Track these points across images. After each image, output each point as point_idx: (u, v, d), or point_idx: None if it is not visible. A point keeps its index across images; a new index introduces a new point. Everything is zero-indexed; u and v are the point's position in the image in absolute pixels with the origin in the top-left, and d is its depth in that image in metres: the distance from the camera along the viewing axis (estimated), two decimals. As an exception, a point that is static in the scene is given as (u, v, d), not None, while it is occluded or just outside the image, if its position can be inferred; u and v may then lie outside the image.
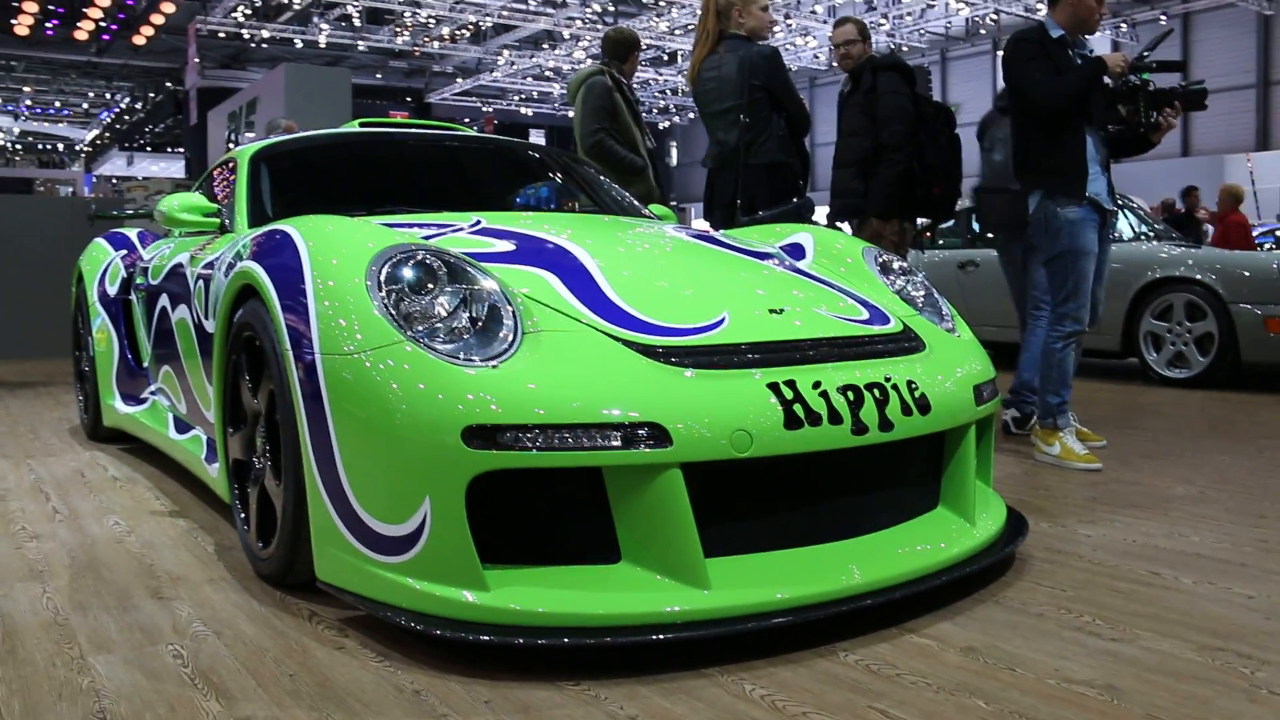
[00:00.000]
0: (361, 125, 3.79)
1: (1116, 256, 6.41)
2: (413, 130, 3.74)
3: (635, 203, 3.81)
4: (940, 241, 7.53)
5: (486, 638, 1.86)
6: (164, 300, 3.51)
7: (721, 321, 2.23)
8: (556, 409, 1.91)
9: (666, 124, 34.00)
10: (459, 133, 3.88)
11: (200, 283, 3.05)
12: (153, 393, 3.85)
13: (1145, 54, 3.68)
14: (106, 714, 1.75)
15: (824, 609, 2.00)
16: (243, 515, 2.58)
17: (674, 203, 5.11)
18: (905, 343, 2.43)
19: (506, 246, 2.55)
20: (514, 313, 2.12)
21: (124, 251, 4.32)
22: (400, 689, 1.83)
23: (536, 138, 30.91)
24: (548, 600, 1.91)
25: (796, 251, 3.05)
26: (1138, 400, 5.62)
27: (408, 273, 2.15)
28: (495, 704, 1.77)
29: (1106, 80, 3.60)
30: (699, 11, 4.72)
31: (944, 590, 2.24)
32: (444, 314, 2.10)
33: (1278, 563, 2.54)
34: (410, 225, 2.77)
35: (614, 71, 5.05)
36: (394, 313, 2.07)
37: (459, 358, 1.99)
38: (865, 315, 2.49)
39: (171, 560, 2.66)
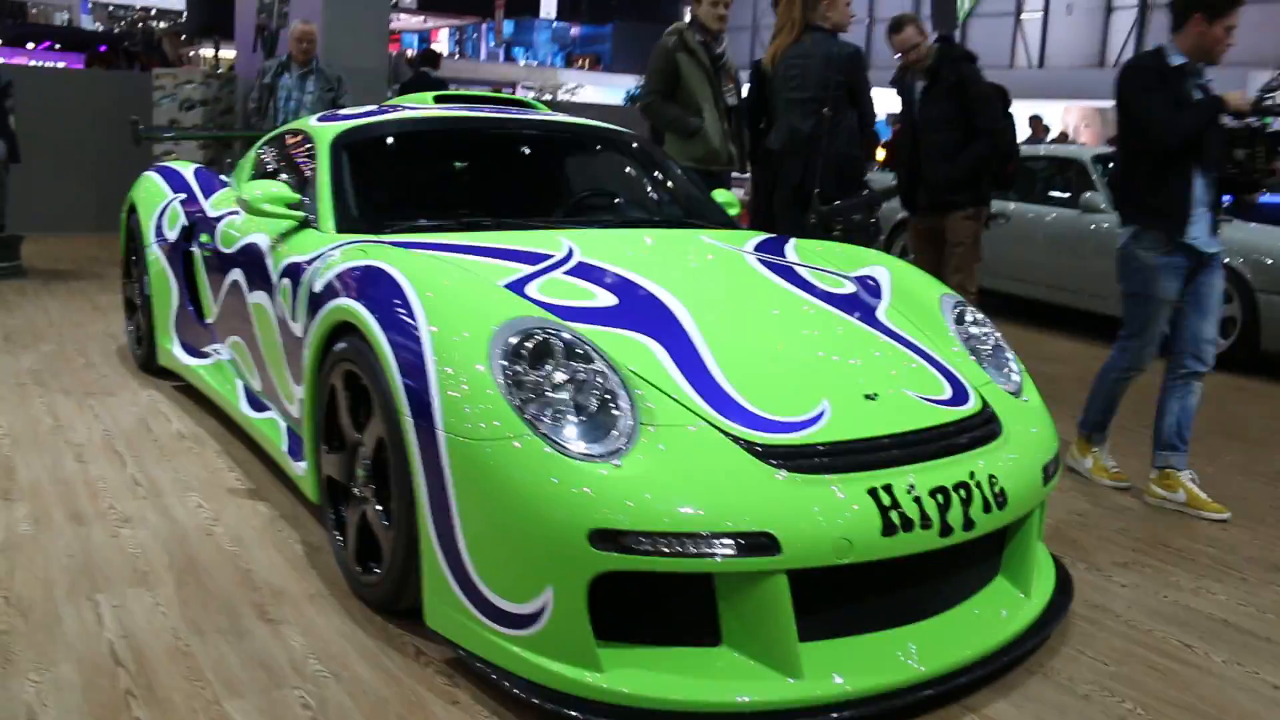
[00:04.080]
0: (436, 100, 3.76)
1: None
2: (491, 116, 3.70)
3: (708, 198, 3.83)
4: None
5: None
6: (237, 275, 3.55)
7: (822, 415, 2.34)
8: (678, 518, 2.04)
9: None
10: (535, 115, 3.85)
11: (286, 280, 3.10)
12: (218, 352, 3.93)
13: (1267, 95, 3.60)
14: (262, 782, 1.92)
15: (898, 698, 2.18)
16: (339, 536, 2.72)
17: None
18: (984, 426, 2.55)
19: (608, 300, 2.62)
20: (630, 400, 2.22)
21: (183, 195, 4.31)
22: (522, 762, 2.02)
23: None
24: (656, 685, 2.08)
25: (873, 288, 3.13)
26: (1146, 379, 5.78)
27: (531, 354, 2.24)
28: (611, 787, 1.96)
29: (1226, 120, 3.47)
30: None
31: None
32: (563, 398, 2.19)
33: (1299, 639, 2.75)
34: (503, 256, 2.82)
35: (687, 30, 4.98)
36: (517, 399, 2.16)
37: (583, 453, 2.10)
38: (948, 394, 2.60)
39: (265, 565, 2.81)
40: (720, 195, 3.99)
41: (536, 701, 2.09)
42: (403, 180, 3.48)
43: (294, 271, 3.06)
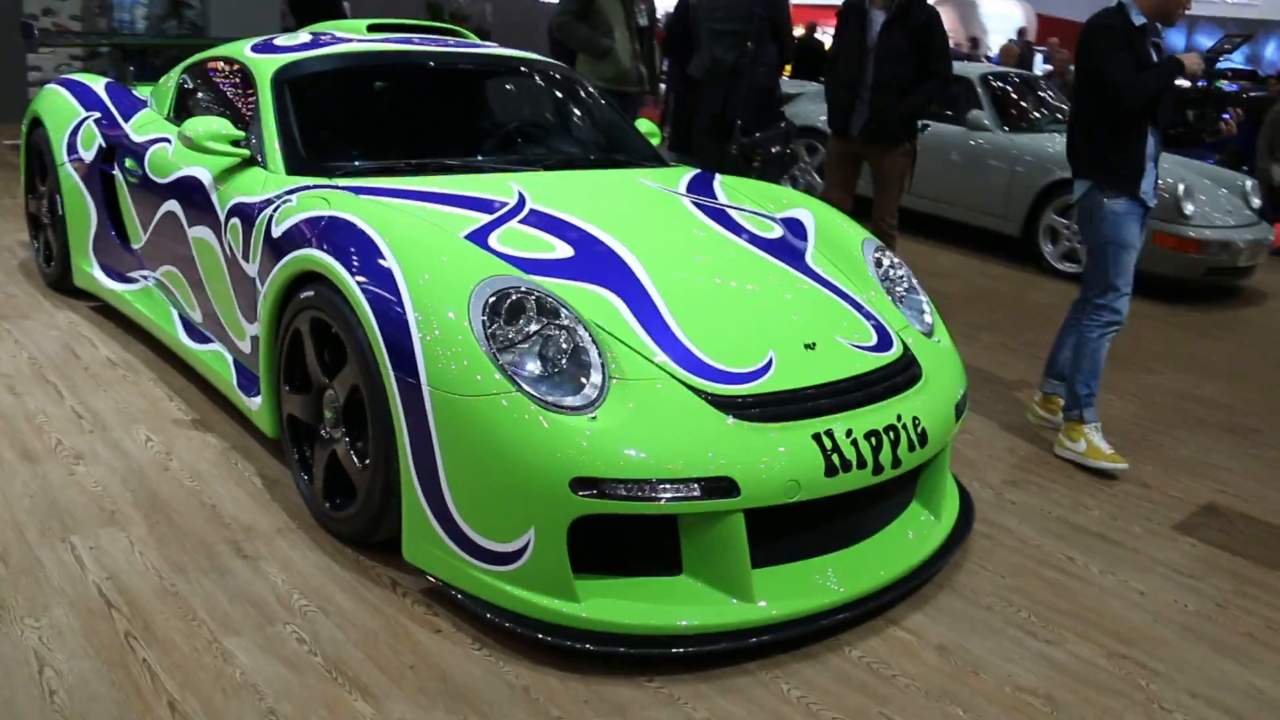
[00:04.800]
0: (370, 29, 3.73)
1: (1034, 147, 6.91)
2: (431, 51, 3.68)
3: (633, 129, 3.95)
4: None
5: (589, 646, 2.27)
6: (173, 206, 3.51)
7: (770, 365, 2.56)
8: (651, 467, 2.26)
9: None
10: (469, 48, 3.86)
11: (235, 220, 3.11)
12: (147, 278, 3.89)
13: (1218, 56, 3.74)
14: (276, 714, 2.10)
15: (833, 614, 2.49)
16: (303, 474, 2.84)
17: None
18: (906, 371, 2.82)
19: (566, 252, 2.76)
20: (600, 355, 2.40)
21: (97, 114, 4.17)
22: (511, 685, 2.24)
23: None
24: (629, 613, 2.32)
25: (798, 229, 3.34)
26: (1030, 296, 6.27)
27: (506, 311, 2.38)
28: (593, 704, 2.21)
29: (1180, 81, 3.56)
30: None
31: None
32: (539, 353, 2.36)
33: (1158, 548, 3.18)
34: (459, 204, 2.92)
35: None
36: (499, 357, 2.32)
37: (561, 405, 2.28)
38: (874, 340, 2.85)
39: (229, 500, 2.92)
40: (643, 125, 4.11)
41: (519, 630, 2.31)
42: (349, 119, 3.48)
43: (244, 211, 3.08)
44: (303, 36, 3.65)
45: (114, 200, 4.07)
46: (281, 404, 2.91)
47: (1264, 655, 2.67)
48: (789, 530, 2.54)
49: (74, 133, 4.18)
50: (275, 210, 2.92)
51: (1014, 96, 7.45)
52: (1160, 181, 6.21)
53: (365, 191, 2.93)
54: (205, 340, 3.49)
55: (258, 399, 3.08)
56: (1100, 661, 2.56)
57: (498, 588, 2.34)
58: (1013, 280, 6.60)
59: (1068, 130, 3.84)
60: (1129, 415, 4.37)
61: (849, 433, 2.50)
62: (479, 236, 2.75)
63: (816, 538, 2.59)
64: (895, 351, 2.87)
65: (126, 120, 4.07)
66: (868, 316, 2.96)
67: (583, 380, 2.36)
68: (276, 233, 2.87)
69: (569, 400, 2.31)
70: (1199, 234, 6.23)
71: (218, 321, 3.36)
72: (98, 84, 4.40)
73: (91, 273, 4.17)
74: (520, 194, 3.04)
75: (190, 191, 3.41)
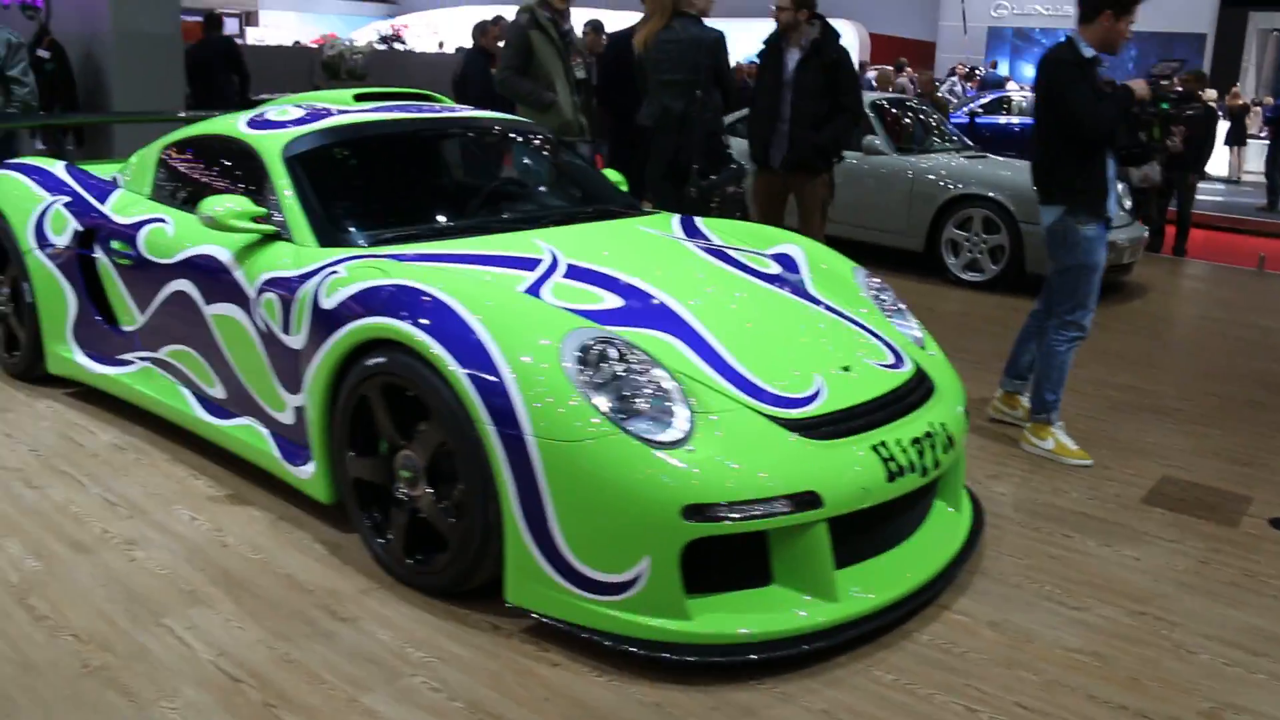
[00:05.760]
0: (357, 99, 3.86)
1: (929, 167, 7.47)
2: (426, 117, 3.83)
3: (606, 180, 4.19)
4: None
5: (713, 659, 2.48)
6: (182, 285, 3.53)
7: (820, 389, 2.84)
8: (749, 488, 2.49)
9: None
10: (457, 113, 4.02)
11: (270, 294, 3.18)
12: (143, 360, 3.87)
13: (1159, 79, 4.20)
14: (445, 757, 2.22)
15: (907, 604, 2.77)
16: (378, 536, 2.93)
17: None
18: (923, 384, 3.15)
19: (616, 302, 2.97)
20: (681, 392, 2.62)
21: (65, 198, 4.12)
22: (642, 704, 2.42)
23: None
24: (737, 624, 2.54)
25: (789, 264, 3.64)
26: (942, 307, 6.78)
27: (593, 358, 2.58)
28: (723, 710, 2.41)
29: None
30: None
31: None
32: (630, 395, 2.56)
33: (1137, 520, 3.60)
34: (498, 263, 3.09)
35: (538, 8, 5.22)
36: (597, 401, 2.51)
37: (661, 441, 2.49)
38: (890, 359, 3.16)
39: (301, 568, 2.98)
40: (612, 175, 4.36)
41: (640, 652, 2.49)
42: (365, 189, 3.59)
43: (280, 286, 3.16)
44: (293, 111, 3.74)
45: (95, 284, 4.03)
46: (344, 470, 3.00)
47: (1250, 599, 3.08)
48: (854, 533, 2.81)
49: (40, 218, 4.12)
50: (321, 283, 3.02)
51: (905, 120, 8.05)
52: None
53: (408, 259, 3.07)
54: (229, 415, 3.52)
55: (307, 468, 3.15)
56: (1125, 620, 2.92)
57: (611, 616, 2.52)
58: (923, 293, 7.11)
59: (1031, 158, 4.19)
60: (1064, 406, 4.83)
61: (899, 441, 2.79)
62: (533, 293, 2.93)
63: (876, 538, 2.87)
64: (910, 367, 3.18)
65: (102, 202, 4.05)
66: (878, 338, 3.27)
67: (671, 416, 2.57)
68: (328, 304, 2.97)
69: (663, 435, 2.52)
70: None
71: (247, 396, 3.40)
72: (56, 166, 4.35)
73: (72, 358, 4.10)
74: (550, 251, 3.23)
75: (206, 270, 3.45)
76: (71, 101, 6.95)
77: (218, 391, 3.55)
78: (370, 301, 2.86)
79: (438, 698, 2.42)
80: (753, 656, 2.52)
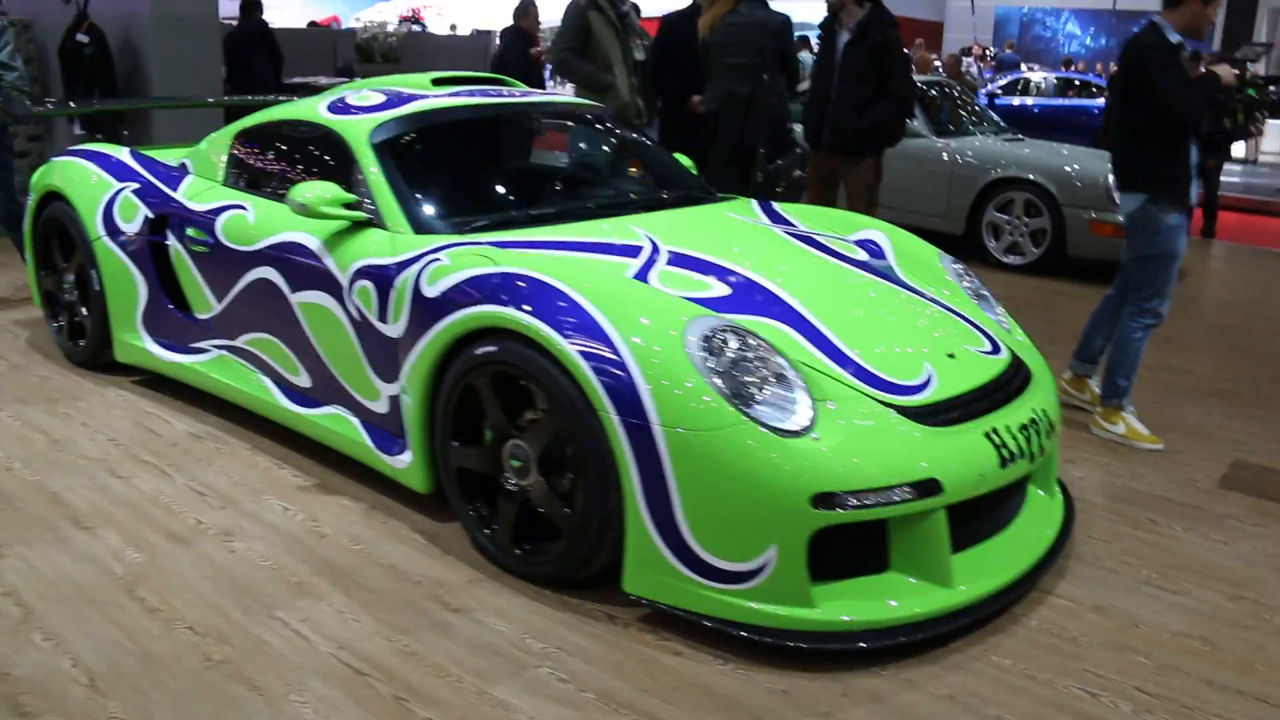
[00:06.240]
0: (434, 83, 3.83)
1: (969, 150, 7.45)
2: (507, 102, 3.80)
3: (679, 164, 4.17)
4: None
5: (862, 645, 2.49)
6: (265, 272, 3.51)
7: (931, 377, 2.83)
8: (874, 476, 2.49)
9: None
10: (538, 98, 4.00)
11: (365, 282, 3.16)
12: (220, 348, 3.85)
13: (1243, 63, 4.15)
14: (586, 747, 2.22)
15: (1017, 590, 2.78)
16: (484, 526, 2.92)
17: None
18: (1021, 370, 3.14)
19: (723, 290, 2.96)
20: (802, 380, 2.62)
21: (133, 184, 4.09)
22: (770, 691, 2.43)
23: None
24: (861, 610, 2.54)
25: (875, 250, 3.63)
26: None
27: (715, 347, 2.57)
28: (851, 696, 2.42)
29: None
30: None
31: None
32: (754, 382, 2.56)
33: (1217, 503, 3.61)
34: (600, 250, 3.07)
35: None
36: (724, 390, 2.50)
37: (788, 429, 2.49)
38: (988, 346, 3.16)
39: (404, 559, 2.98)
40: (683, 160, 4.33)
41: (767, 640, 2.50)
42: (456, 175, 3.55)
43: (375, 274, 3.14)
44: (373, 96, 3.71)
45: (166, 271, 4.00)
46: (447, 459, 2.99)
47: (1345, 583, 3.11)
48: (966, 520, 2.82)
49: (109, 205, 4.09)
50: (422, 270, 3.01)
51: (942, 103, 8.04)
52: (1085, 174, 6.88)
53: (511, 245, 3.05)
54: (316, 404, 3.50)
55: (403, 457, 3.14)
56: (1225, 604, 2.93)
57: (736, 605, 2.52)
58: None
59: (1111, 146, 4.15)
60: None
61: (1008, 427, 2.80)
62: (642, 279, 2.92)
63: (984, 524, 2.88)
64: (1006, 354, 3.18)
65: (173, 188, 4.01)
66: (972, 324, 3.26)
67: (793, 404, 2.57)
68: (431, 293, 2.95)
69: (788, 424, 2.52)
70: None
71: (336, 384, 3.39)
72: (122, 153, 4.31)
73: (142, 346, 4.08)
74: (647, 237, 3.21)
75: (293, 257, 3.42)
76: (110, 86, 6.88)
77: (302, 380, 3.54)
78: (478, 289, 2.84)
79: (567, 689, 2.42)
80: (891, 641, 2.53)
